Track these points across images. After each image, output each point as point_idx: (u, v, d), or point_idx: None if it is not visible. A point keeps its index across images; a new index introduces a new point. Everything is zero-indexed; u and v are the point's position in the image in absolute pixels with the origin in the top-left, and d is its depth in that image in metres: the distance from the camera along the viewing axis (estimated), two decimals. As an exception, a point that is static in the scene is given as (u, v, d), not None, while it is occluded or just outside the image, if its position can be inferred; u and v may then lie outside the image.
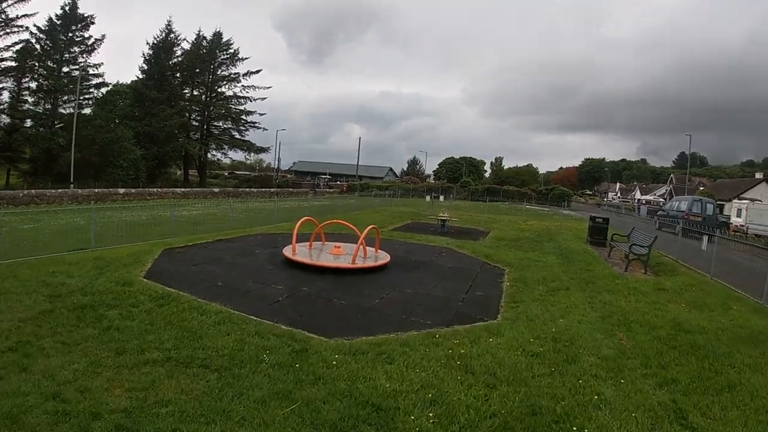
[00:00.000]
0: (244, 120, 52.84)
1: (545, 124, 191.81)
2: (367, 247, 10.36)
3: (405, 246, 12.96)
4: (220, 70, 51.83)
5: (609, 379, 4.54)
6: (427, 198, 38.47)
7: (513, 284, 8.71)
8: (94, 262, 8.31)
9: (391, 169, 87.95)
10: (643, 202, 55.15)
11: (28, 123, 35.56)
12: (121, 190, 29.09)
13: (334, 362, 4.56)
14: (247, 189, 44.14)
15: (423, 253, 11.92)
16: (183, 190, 35.01)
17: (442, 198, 38.48)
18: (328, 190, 57.10)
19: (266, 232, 13.83)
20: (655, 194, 68.55)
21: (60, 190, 25.79)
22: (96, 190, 27.26)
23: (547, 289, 8.33)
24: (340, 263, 9.25)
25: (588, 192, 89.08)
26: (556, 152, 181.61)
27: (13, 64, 33.32)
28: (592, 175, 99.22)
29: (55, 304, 5.90)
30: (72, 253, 9.26)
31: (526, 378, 4.45)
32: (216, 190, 39.19)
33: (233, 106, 52.47)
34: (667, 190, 65.88)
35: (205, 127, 52.21)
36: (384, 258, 10.08)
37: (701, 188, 53.57)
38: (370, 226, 10.19)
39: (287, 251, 9.80)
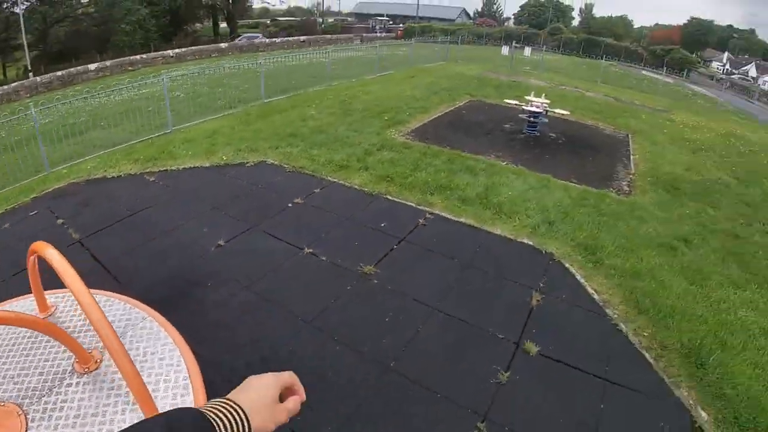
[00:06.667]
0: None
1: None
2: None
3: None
4: None
5: None
6: (504, 50, 22.80)
7: None
8: None
9: (464, 11, 71.33)
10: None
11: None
12: (92, 66, 22.42)
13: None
14: (268, 40, 34.77)
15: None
16: (176, 51, 27.23)
17: (527, 51, 23.83)
18: (384, 34, 46.34)
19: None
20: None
21: (16, 84, 19.59)
22: (59, 74, 20.83)
23: None
24: None
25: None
26: (650, 5, 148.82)
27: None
28: (696, 38, 78.56)
29: None
30: None
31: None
32: (223, 45, 30.77)
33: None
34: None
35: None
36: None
37: None
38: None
39: None
